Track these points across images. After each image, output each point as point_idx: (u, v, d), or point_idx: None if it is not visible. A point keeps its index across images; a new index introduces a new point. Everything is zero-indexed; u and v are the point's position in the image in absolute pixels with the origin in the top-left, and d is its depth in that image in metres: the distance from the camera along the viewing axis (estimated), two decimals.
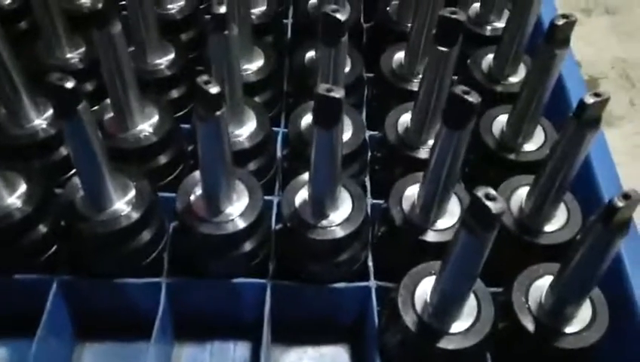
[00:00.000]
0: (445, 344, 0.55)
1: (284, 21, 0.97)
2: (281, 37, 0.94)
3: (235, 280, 0.67)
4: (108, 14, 0.60)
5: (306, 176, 0.64)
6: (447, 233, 0.63)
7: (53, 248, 0.66)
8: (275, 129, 0.79)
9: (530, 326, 0.58)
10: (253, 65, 0.80)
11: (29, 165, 0.67)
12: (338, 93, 0.51)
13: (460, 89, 0.51)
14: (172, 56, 0.80)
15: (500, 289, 0.62)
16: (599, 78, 1.22)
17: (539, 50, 0.65)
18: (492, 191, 0.43)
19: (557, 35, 0.62)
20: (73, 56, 0.79)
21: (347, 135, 0.72)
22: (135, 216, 0.62)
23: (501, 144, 0.73)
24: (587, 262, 0.52)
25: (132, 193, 0.63)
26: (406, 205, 0.65)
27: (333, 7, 0.61)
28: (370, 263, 0.69)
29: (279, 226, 0.69)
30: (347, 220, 0.63)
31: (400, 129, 0.73)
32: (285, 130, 0.79)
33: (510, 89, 0.79)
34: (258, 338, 0.66)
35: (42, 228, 0.64)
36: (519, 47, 0.77)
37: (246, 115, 0.72)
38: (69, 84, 0.50)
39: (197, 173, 0.64)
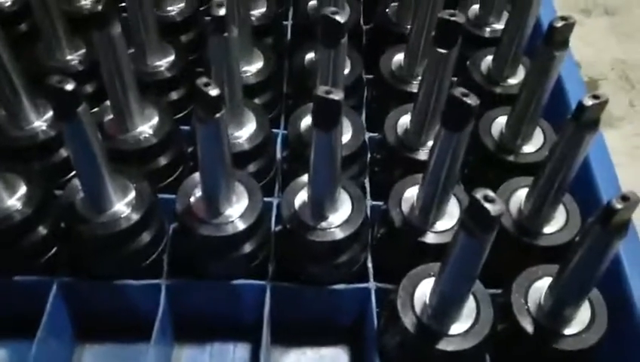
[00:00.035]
0: (444, 345, 0.55)
1: (284, 23, 0.97)
2: (281, 39, 0.94)
3: (235, 282, 0.67)
4: (108, 16, 0.60)
5: (305, 177, 0.64)
6: (446, 235, 0.63)
7: (54, 250, 0.66)
8: (274, 130, 0.80)
9: (529, 327, 0.58)
10: (252, 67, 0.80)
11: (29, 167, 0.67)
12: (337, 95, 0.51)
13: (458, 91, 0.51)
14: (172, 57, 0.80)
15: (499, 291, 0.62)
16: (599, 79, 1.22)
17: (538, 52, 0.65)
18: (490, 193, 0.44)
19: (556, 37, 0.62)
20: (73, 57, 0.79)
21: (347, 136, 0.72)
22: (135, 217, 0.62)
23: (500, 146, 0.73)
24: (586, 263, 0.52)
25: (132, 195, 0.63)
26: (405, 207, 0.65)
27: (333, 9, 0.61)
28: (370, 265, 0.69)
29: (279, 228, 0.69)
30: (346, 222, 0.63)
31: (399, 130, 0.73)
32: (285, 131, 0.79)
33: (509, 90, 0.79)
34: (258, 340, 0.66)
35: (42, 230, 0.64)
36: (518, 48, 0.77)
37: (246, 116, 0.72)
38: (69, 87, 0.50)
39: (197, 175, 0.64)
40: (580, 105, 0.54)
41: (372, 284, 0.67)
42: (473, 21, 0.91)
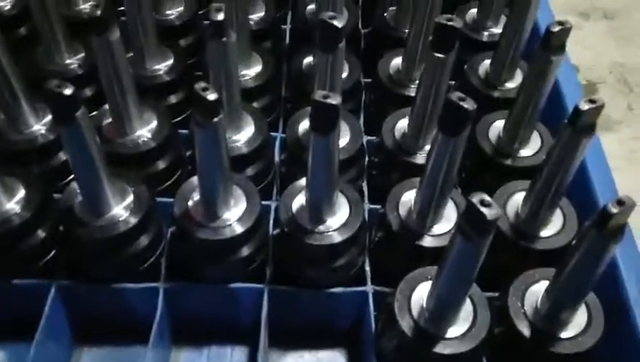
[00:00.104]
0: (441, 349, 0.56)
1: (283, 27, 0.98)
2: (280, 43, 0.94)
3: (233, 285, 0.67)
4: (106, 21, 0.60)
5: (303, 181, 0.64)
6: (443, 238, 0.63)
7: (52, 253, 0.67)
8: (273, 134, 0.80)
9: (525, 331, 0.58)
10: (251, 71, 0.80)
11: (27, 170, 0.67)
12: (335, 100, 0.51)
13: (455, 95, 0.51)
14: (171, 61, 0.80)
15: (496, 294, 0.63)
16: (597, 82, 1.22)
17: (535, 56, 0.65)
18: (487, 198, 0.44)
19: (553, 42, 0.62)
20: (72, 61, 0.79)
21: (344, 140, 0.72)
22: (133, 221, 0.62)
23: (497, 149, 0.74)
24: (582, 267, 0.53)
25: (130, 198, 0.64)
26: (403, 210, 0.65)
27: (331, 13, 0.61)
28: (368, 268, 0.69)
29: (277, 231, 0.69)
30: (344, 225, 0.63)
31: (397, 134, 0.73)
32: (283, 135, 0.79)
33: (507, 94, 0.79)
34: (255, 343, 0.66)
35: (41, 233, 0.65)
36: (516, 52, 0.77)
37: (244, 120, 0.72)
38: (68, 91, 0.51)
39: (195, 179, 0.64)
40: (576, 110, 0.54)
41: (370, 288, 0.67)
42: (471, 25, 0.91)
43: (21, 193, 0.64)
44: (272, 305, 0.66)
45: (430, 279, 0.58)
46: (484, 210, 0.43)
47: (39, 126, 0.70)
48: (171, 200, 0.65)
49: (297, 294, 0.67)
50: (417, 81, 0.70)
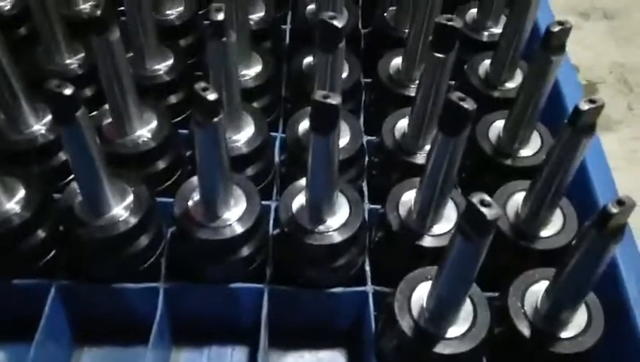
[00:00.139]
0: (441, 349, 0.56)
1: (283, 27, 0.98)
2: (280, 43, 0.94)
3: (233, 285, 0.67)
4: (107, 21, 0.60)
5: (303, 181, 0.64)
6: (443, 238, 0.63)
7: (52, 253, 0.67)
8: (273, 134, 0.80)
9: (525, 331, 0.58)
10: (251, 71, 0.80)
11: (27, 170, 0.67)
12: (335, 100, 0.51)
13: (455, 95, 0.51)
14: (171, 61, 0.80)
15: (496, 294, 0.63)
16: (597, 82, 1.22)
17: (535, 57, 0.65)
18: (487, 198, 0.44)
19: (552, 42, 0.62)
20: (72, 61, 0.79)
21: (344, 140, 0.72)
22: (133, 221, 0.62)
23: (497, 149, 0.74)
24: (582, 267, 0.53)
25: (130, 198, 0.64)
26: (403, 210, 0.65)
27: (331, 14, 0.61)
28: (368, 268, 0.69)
29: (277, 231, 0.69)
30: (344, 225, 0.63)
31: (397, 134, 0.73)
32: (283, 135, 0.79)
33: (507, 94, 0.79)
34: (255, 343, 0.66)
35: (41, 233, 0.65)
36: (516, 52, 0.77)
37: (244, 120, 0.72)
38: (68, 91, 0.51)
39: (195, 179, 0.64)
40: (576, 110, 0.54)
41: (370, 288, 0.67)
42: (471, 25, 0.91)
43: (21, 193, 0.64)
44: (272, 305, 0.66)
45: (430, 279, 0.58)
46: (484, 210, 0.43)
47: (39, 126, 0.70)
48: (171, 200, 0.65)
49: (297, 294, 0.67)
50: (417, 81, 0.70)
